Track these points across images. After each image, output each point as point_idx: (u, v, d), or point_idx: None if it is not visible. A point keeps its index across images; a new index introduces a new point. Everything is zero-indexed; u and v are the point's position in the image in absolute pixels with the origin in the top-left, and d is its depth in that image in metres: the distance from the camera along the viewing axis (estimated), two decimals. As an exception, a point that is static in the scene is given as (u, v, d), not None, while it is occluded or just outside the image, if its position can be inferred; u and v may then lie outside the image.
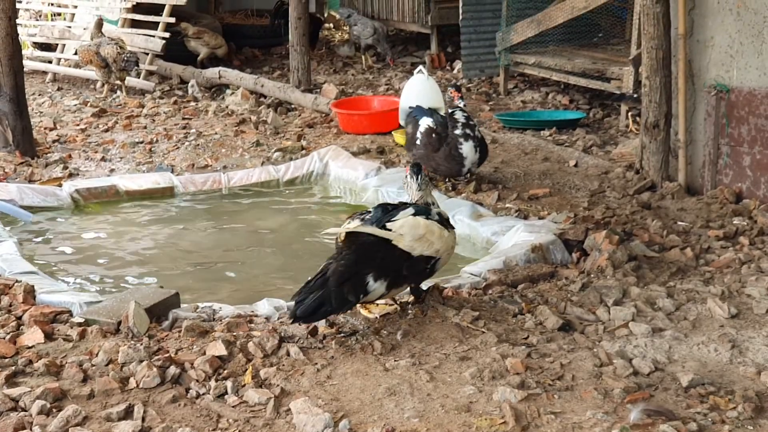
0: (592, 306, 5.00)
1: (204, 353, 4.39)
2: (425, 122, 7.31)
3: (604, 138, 9.00)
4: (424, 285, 4.96)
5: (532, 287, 5.31)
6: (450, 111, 7.21)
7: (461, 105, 7.17)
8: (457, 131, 7.06)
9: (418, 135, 7.30)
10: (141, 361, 4.26)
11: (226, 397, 4.06)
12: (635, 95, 8.91)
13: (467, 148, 7.04)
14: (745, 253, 5.65)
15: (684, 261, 5.57)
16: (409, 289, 4.88)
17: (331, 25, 17.42)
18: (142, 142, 9.13)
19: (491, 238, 6.25)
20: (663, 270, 5.45)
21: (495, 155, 8.05)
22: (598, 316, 4.89)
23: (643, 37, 7.01)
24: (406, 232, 4.61)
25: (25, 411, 3.93)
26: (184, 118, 10.26)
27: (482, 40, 11.97)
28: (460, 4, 12.05)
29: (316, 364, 4.30)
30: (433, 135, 7.19)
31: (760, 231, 6.04)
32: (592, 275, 5.41)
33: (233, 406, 3.98)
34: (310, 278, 4.53)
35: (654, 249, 5.74)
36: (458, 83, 7.81)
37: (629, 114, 9.25)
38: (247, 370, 4.26)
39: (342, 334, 4.61)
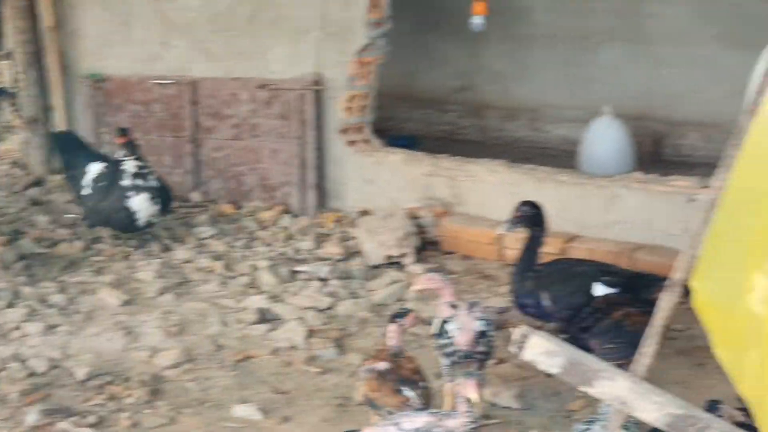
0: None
1: None
2: None
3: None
4: None
5: None
6: None
7: None
8: None
9: None
10: None
11: None
12: (13, 90, 8.64)
13: None
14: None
15: (74, 253, 5.54)
16: None
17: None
18: None
19: None
20: (54, 265, 5.38)
21: None
22: (-7, 319, 4.65)
23: (14, 31, 6.82)
24: None
25: None
26: None
27: None
28: None
29: None
30: None
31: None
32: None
33: None
34: None
35: (44, 245, 5.64)
36: None
37: (11, 109, 8.94)
38: None
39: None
